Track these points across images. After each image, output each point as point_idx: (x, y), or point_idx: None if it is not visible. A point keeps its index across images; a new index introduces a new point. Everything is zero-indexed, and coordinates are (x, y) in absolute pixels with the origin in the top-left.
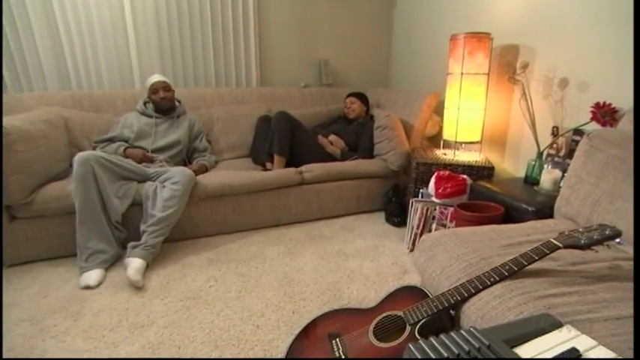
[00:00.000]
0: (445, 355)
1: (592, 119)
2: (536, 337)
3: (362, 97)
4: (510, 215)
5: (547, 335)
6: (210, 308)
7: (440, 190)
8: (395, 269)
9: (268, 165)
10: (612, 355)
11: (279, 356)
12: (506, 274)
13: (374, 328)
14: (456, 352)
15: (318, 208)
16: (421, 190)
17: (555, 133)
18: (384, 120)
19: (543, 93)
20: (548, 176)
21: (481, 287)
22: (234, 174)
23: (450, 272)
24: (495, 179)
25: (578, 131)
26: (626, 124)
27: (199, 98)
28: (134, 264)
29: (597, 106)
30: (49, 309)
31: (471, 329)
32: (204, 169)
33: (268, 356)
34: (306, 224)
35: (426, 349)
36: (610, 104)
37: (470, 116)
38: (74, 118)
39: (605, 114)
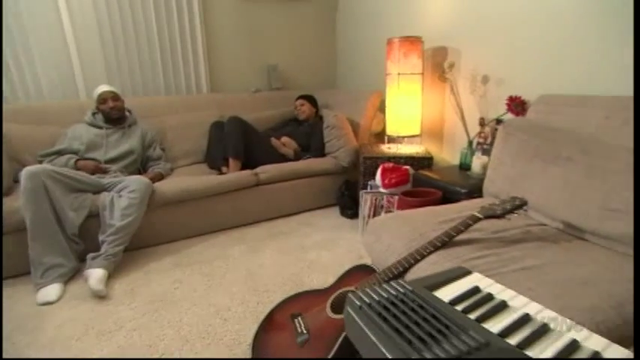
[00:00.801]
0: (376, 298)
1: (507, 110)
2: (450, 282)
3: (311, 99)
4: (447, 198)
5: (459, 281)
6: (177, 308)
7: (386, 181)
8: (351, 256)
9: (224, 169)
10: (500, 287)
11: (248, 342)
12: (440, 244)
13: (331, 303)
14: (386, 296)
15: (275, 207)
16: (369, 183)
17: (482, 123)
18: (332, 120)
19: (470, 89)
20: (477, 162)
21: (419, 258)
22: (192, 179)
23: (394, 249)
24: (435, 168)
25: (499, 121)
26: (532, 114)
27: (150, 107)
28: (95, 274)
29: (510, 99)
30: (4, 329)
31: (399, 281)
32: (160, 177)
33: (237, 344)
34: (265, 223)
35: (362, 295)
36: (520, 97)
37: (409, 112)
38: (13, 132)
39: (517, 105)
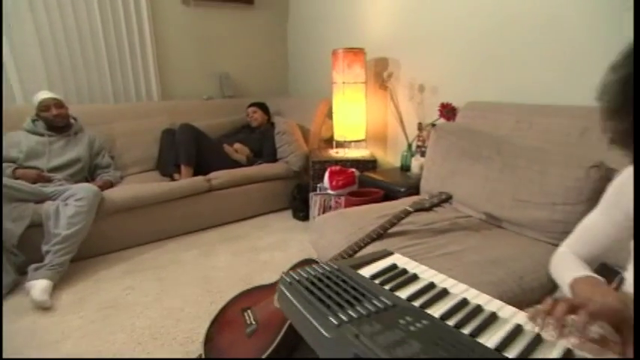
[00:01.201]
0: (305, 276)
1: (440, 116)
2: (373, 262)
3: (262, 107)
4: (389, 196)
5: (381, 260)
6: (129, 313)
7: (333, 183)
8: (302, 255)
9: (176, 176)
10: (415, 264)
11: (201, 339)
12: (376, 236)
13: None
14: (313, 274)
15: (229, 212)
16: (318, 185)
17: (420, 128)
18: (283, 126)
19: (408, 96)
20: (416, 163)
21: (357, 249)
22: (142, 186)
23: (336, 243)
24: (379, 169)
25: (434, 125)
26: (460, 118)
27: (97, 114)
28: (39, 285)
29: (442, 105)
30: None
31: (328, 262)
32: (110, 185)
33: (190, 342)
34: (219, 228)
35: (292, 274)
36: (451, 104)
37: (354, 118)
38: None
39: (448, 111)
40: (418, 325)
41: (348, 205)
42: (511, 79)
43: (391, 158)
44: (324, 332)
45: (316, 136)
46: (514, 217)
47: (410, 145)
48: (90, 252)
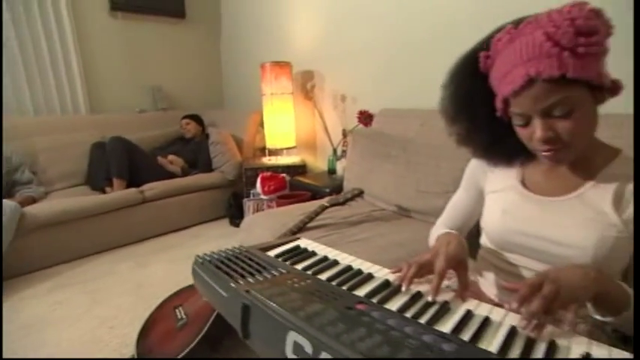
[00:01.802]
0: (216, 256)
1: (359, 122)
2: (281, 245)
3: (196, 118)
4: (316, 197)
5: (289, 244)
6: (56, 327)
7: (265, 188)
8: None
9: (108, 190)
10: (318, 244)
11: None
12: (296, 230)
13: None
14: (224, 255)
15: (165, 223)
16: (252, 191)
17: (344, 134)
18: (216, 136)
19: (333, 105)
20: (340, 166)
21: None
22: (70, 200)
23: (262, 239)
24: (309, 174)
25: (351, 131)
26: (375, 124)
27: (12, 128)
28: None
29: (360, 112)
30: None
31: (240, 246)
32: (32, 201)
33: (124, 346)
34: (155, 239)
35: (205, 256)
36: (368, 111)
37: (284, 127)
38: None
39: (365, 118)
40: (302, 283)
41: (278, 207)
42: (418, 87)
43: (321, 163)
44: (222, 293)
45: (250, 146)
46: (418, 206)
47: (335, 150)
48: (12, 271)
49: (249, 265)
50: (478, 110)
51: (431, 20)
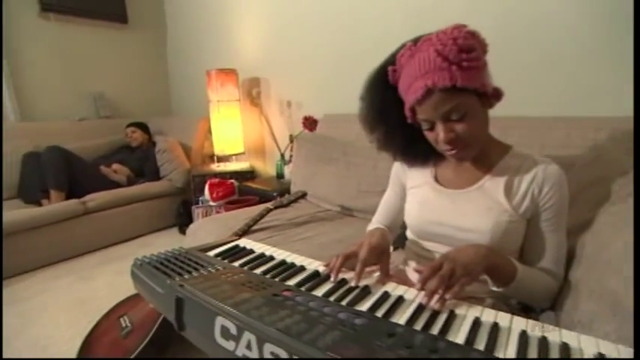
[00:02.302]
0: (155, 258)
1: (304, 127)
2: (222, 246)
3: (141, 126)
4: (264, 201)
5: (229, 244)
6: None
7: (214, 195)
8: None
9: (44, 202)
10: (257, 243)
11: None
12: (241, 233)
13: None
14: (163, 256)
15: (111, 234)
16: (200, 198)
17: (291, 139)
18: (163, 144)
19: (280, 111)
20: (288, 170)
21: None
22: None
23: (204, 242)
24: (258, 179)
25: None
26: (319, 129)
27: None
28: None
29: (305, 118)
30: None
31: (180, 247)
32: None
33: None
34: (101, 251)
35: (144, 258)
36: (312, 117)
37: (232, 134)
38: None
39: (310, 123)
40: (235, 277)
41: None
42: (359, 93)
43: (270, 168)
44: (159, 290)
45: (199, 153)
46: (360, 205)
47: (282, 155)
48: None
49: (187, 264)
50: (392, 118)
51: (371, 30)
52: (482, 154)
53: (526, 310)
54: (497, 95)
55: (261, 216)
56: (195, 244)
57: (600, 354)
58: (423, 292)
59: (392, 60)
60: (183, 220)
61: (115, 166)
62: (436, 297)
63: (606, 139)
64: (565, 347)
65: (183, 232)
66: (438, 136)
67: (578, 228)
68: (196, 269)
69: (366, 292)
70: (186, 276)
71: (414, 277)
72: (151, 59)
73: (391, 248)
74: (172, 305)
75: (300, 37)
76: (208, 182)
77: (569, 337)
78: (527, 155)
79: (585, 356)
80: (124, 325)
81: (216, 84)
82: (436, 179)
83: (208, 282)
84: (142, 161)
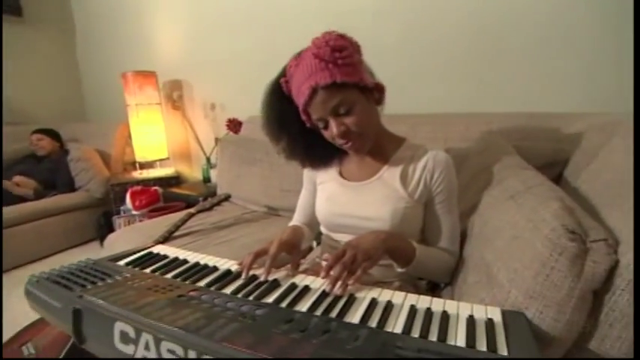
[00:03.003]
0: (55, 273)
1: (228, 130)
2: (135, 254)
3: (50, 133)
4: (192, 206)
5: (143, 251)
6: None
7: (136, 203)
8: None
9: None
10: (175, 249)
11: None
12: (162, 240)
13: None
14: (66, 270)
15: (19, 254)
16: (122, 208)
17: (216, 142)
18: (77, 152)
19: (203, 114)
20: (214, 174)
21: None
22: None
23: None
24: (185, 184)
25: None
26: (244, 131)
27: None
28: None
29: (229, 120)
30: None
31: (87, 259)
32: None
33: None
34: (7, 274)
35: (41, 274)
36: (237, 118)
37: (154, 139)
38: None
39: (234, 125)
40: (142, 282)
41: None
42: None
43: (197, 172)
44: (56, 304)
45: (119, 160)
46: (284, 204)
47: (208, 159)
48: None
49: (93, 275)
50: (292, 127)
51: (292, 31)
52: (379, 148)
53: (433, 289)
54: (380, 90)
55: (183, 221)
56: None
57: (471, 316)
58: (327, 280)
59: (283, 73)
60: (104, 233)
61: (17, 178)
62: (339, 283)
63: (496, 133)
64: (445, 315)
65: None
66: (332, 132)
67: (469, 210)
68: (102, 279)
69: (274, 285)
70: (88, 287)
71: None
72: (58, 59)
73: (314, 244)
74: (68, 314)
75: (222, 38)
76: (129, 191)
77: (450, 306)
78: (419, 146)
79: (459, 319)
80: (27, 353)
81: (133, 87)
82: (341, 174)
83: (112, 290)
84: (52, 172)
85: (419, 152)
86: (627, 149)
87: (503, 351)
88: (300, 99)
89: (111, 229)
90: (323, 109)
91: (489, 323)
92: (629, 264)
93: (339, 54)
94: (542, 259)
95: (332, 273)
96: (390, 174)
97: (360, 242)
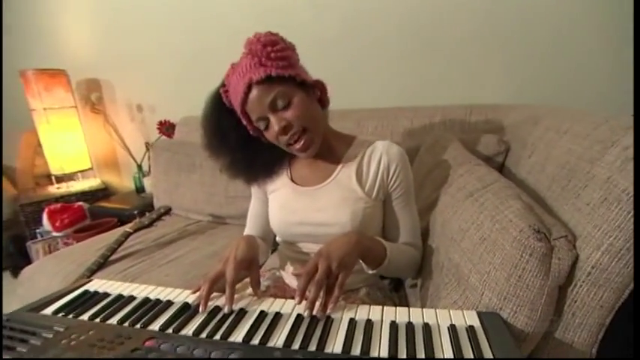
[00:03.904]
0: None
1: (160, 133)
2: (64, 297)
3: None
4: (124, 222)
5: (74, 292)
6: None
7: (57, 224)
8: None
9: None
10: (118, 283)
11: None
12: (96, 267)
13: None
14: None
15: None
16: (38, 231)
17: (147, 147)
18: None
19: (129, 117)
20: (148, 182)
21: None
22: None
23: (50, 291)
24: (114, 197)
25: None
26: (178, 134)
27: None
28: None
29: (160, 123)
30: None
31: None
32: None
33: None
34: None
35: None
36: (169, 120)
37: (71, 147)
38: None
39: (167, 128)
40: (82, 337)
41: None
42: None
43: (127, 182)
44: None
45: (27, 174)
46: (231, 211)
47: (140, 166)
48: None
49: (9, 338)
50: (232, 139)
51: (225, 26)
52: (329, 149)
53: (397, 288)
54: (321, 89)
55: (120, 243)
56: (32, 294)
57: (452, 325)
58: (301, 304)
59: (223, 83)
60: (16, 261)
61: None
62: (317, 305)
63: (440, 126)
64: (427, 327)
65: (16, 275)
66: (273, 129)
67: (427, 208)
68: (24, 341)
69: (240, 316)
70: (6, 356)
71: (292, 281)
72: None
73: (269, 252)
74: None
75: (142, 32)
76: (46, 210)
77: (429, 316)
78: (370, 141)
79: (441, 329)
80: None
81: (38, 88)
82: (293, 180)
83: (42, 356)
84: None
85: (370, 148)
86: (567, 143)
87: (488, 354)
88: (236, 101)
89: (25, 256)
90: (260, 106)
91: (471, 330)
92: (587, 257)
93: (271, 48)
94: (514, 260)
95: (308, 297)
96: (345, 174)
97: (331, 250)
